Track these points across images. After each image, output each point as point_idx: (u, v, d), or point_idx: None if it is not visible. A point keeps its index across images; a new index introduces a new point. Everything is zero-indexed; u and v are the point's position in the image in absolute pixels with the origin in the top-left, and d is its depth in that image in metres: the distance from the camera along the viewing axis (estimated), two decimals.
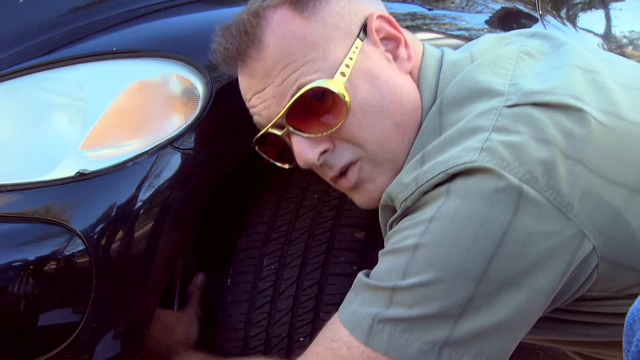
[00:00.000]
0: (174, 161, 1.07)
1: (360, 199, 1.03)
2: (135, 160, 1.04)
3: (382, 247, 0.93)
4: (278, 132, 0.99)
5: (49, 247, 1.00)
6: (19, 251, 0.99)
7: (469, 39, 1.65)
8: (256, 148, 1.07)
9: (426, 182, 0.85)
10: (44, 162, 1.03)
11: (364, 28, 0.99)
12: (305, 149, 0.97)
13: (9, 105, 1.09)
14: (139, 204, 1.04)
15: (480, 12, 1.92)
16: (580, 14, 2.62)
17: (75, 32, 1.15)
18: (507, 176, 0.80)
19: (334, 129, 0.95)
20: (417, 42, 1.06)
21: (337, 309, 1.18)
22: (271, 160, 1.09)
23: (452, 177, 0.83)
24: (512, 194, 0.80)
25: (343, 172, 1.00)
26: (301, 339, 1.16)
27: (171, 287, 1.28)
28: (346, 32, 0.97)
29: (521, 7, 2.13)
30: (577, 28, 2.44)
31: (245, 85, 1.01)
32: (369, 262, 1.21)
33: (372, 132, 0.96)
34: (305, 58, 0.94)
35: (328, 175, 1.01)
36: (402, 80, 0.99)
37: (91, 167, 1.03)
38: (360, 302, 0.88)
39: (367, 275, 0.91)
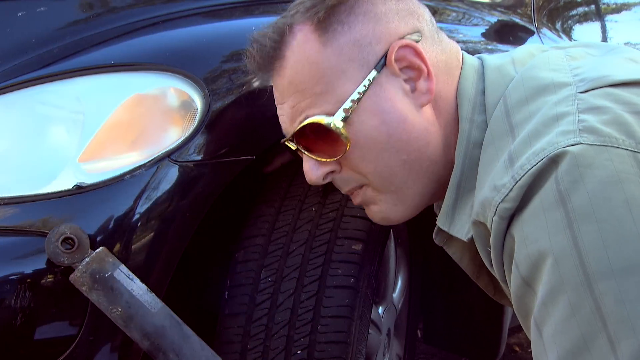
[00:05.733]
0: (172, 174, 1.07)
1: (371, 216, 1.06)
2: (133, 173, 1.05)
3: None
4: (292, 146, 1.02)
5: (45, 261, 1.00)
6: (16, 264, 0.99)
7: (465, 51, 1.65)
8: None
9: (526, 172, 0.79)
10: (42, 175, 1.03)
11: (385, 57, 0.96)
12: (312, 169, 1.00)
13: (7, 118, 1.09)
14: (137, 216, 1.04)
15: (476, 24, 1.93)
16: (576, 26, 2.63)
17: (74, 45, 1.16)
18: (620, 150, 0.76)
19: (336, 159, 0.98)
20: (455, 51, 1.04)
21: (335, 322, 1.17)
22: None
23: (555, 162, 0.78)
24: (633, 161, 0.76)
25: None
26: (299, 352, 1.15)
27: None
28: (361, 64, 0.95)
29: (517, 19, 2.15)
30: (572, 40, 2.45)
31: (274, 91, 1.04)
32: (367, 275, 1.21)
33: (375, 166, 0.97)
34: (312, 89, 0.95)
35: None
36: (415, 116, 0.96)
37: (89, 180, 1.03)
38: None
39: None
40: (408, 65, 0.96)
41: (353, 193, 1.03)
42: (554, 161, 0.78)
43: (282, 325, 1.17)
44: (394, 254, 1.57)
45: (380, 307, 1.53)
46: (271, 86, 1.04)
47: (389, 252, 1.52)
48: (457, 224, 0.97)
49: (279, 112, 1.02)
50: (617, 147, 0.77)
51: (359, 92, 0.94)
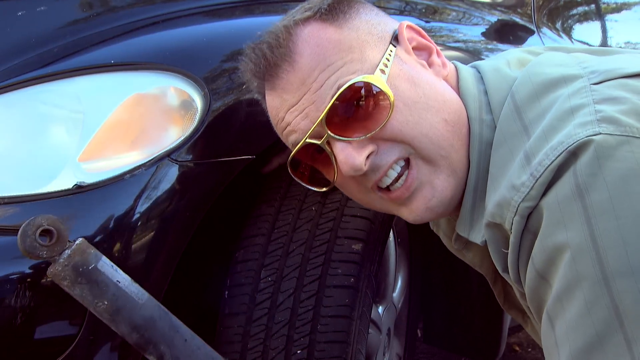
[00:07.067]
0: (172, 173, 1.07)
1: (417, 209, 0.95)
2: (133, 172, 1.05)
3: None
4: (317, 142, 0.93)
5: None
6: (16, 264, 0.99)
7: (466, 50, 1.66)
8: (290, 172, 1.02)
9: (545, 169, 0.77)
10: (42, 175, 1.04)
11: (396, 37, 0.98)
12: (351, 154, 0.91)
13: (7, 117, 1.09)
14: (137, 216, 1.04)
15: (476, 24, 1.93)
16: (576, 25, 2.64)
17: (74, 44, 1.16)
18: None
19: (380, 127, 0.90)
20: (446, 59, 1.04)
21: (335, 322, 1.16)
22: (306, 185, 1.05)
23: (575, 155, 0.75)
24: None
25: (396, 179, 0.94)
26: (298, 352, 1.15)
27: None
28: (379, 37, 0.96)
29: (517, 19, 2.15)
30: (572, 40, 2.45)
31: (277, 103, 0.97)
32: (367, 275, 1.21)
33: (421, 127, 0.92)
34: (342, 60, 0.92)
35: (372, 180, 0.94)
36: (442, 83, 0.98)
37: (89, 179, 1.03)
38: None
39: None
40: (417, 46, 1.00)
41: (407, 173, 0.93)
42: (573, 154, 0.76)
43: (282, 325, 1.17)
44: (394, 253, 1.57)
45: (380, 307, 1.53)
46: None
47: (389, 252, 1.52)
48: (476, 229, 0.95)
49: (289, 117, 0.95)
50: (638, 138, 0.75)
51: (387, 58, 0.94)
